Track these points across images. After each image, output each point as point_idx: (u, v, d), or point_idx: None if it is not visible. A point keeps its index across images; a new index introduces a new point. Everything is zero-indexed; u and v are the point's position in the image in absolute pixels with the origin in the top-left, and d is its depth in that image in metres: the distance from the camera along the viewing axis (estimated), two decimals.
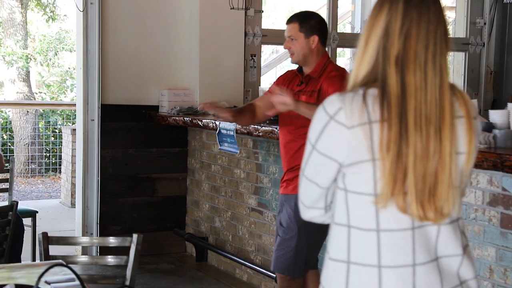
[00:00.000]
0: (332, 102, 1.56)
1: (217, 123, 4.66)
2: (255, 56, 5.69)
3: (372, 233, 1.55)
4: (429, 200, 1.52)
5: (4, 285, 2.08)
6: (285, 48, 3.46)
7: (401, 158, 1.51)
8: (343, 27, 9.26)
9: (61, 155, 8.81)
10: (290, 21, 3.42)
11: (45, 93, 13.63)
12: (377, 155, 1.52)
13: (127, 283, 2.69)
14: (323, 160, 1.58)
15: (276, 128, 4.10)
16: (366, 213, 1.55)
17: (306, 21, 3.37)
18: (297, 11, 3.73)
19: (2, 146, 10.45)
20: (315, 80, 3.36)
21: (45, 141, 10.90)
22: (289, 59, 3.60)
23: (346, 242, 1.58)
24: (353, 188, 1.57)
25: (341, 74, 3.32)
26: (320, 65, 3.38)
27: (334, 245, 1.62)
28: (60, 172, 9.15)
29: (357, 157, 1.54)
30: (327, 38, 3.47)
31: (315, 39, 3.35)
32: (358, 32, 7.18)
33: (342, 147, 1.55)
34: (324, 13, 5.86)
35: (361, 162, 1.53)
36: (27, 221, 4.83)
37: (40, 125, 11.06)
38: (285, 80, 3.53)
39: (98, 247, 5.21)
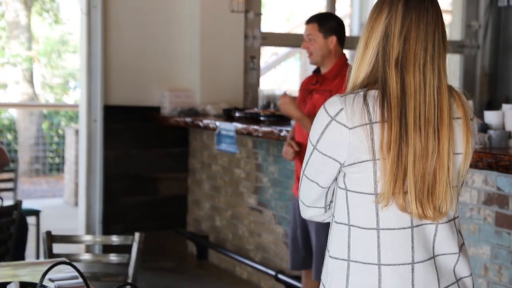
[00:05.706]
0: (333, 103, 1.57)
1: (217, 123, 4.69)
2: (255, 58, 5.69)
3: (372, 231, 1.57)
4: (428, 198, 1.54)
5: (9, 282, 2.06)
6: (303, 48, 3.41)
7: (401, 158, 1.52)
8: None
9: (64, 155, 8.84)
10: (309, 21, 3.39)
11: (48, 94, 13.66)
12: (377, 155, 1.53)
13: (130, 280, 2.70)
14: (324, 160, 1.59)
15: (276, 128, 4.16)
16: (366, 212, 1.57)
17: (325, 21, 3.35)
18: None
19: (6, 147, 10.48)
20: (330, 80, 3.34)
21: (49, 142, 10.93)
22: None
23: (346, 240, 1.59)
24: (354, 187, 1.58)
25: None
26: (337, 66, 3.35)
27: (335, 243, 1.63)
28: (63, 172, 9.19)
29: (358, 157, 1.55)
30: (345, 39, 3.41)
31: (333, 39, 3.33)
32: (356, 35, 7.21)
33: (343, 148, 1.55)
34: None
35: (362, 162, 1.55)
36: (31, 220, 4.85)
37: (44, 126, 11.07)
38: (303, 83, 3.52)
39: (101, 246, 5.21)
